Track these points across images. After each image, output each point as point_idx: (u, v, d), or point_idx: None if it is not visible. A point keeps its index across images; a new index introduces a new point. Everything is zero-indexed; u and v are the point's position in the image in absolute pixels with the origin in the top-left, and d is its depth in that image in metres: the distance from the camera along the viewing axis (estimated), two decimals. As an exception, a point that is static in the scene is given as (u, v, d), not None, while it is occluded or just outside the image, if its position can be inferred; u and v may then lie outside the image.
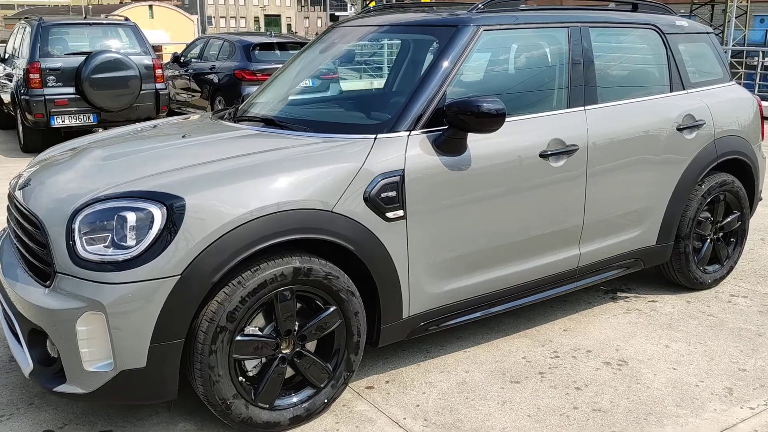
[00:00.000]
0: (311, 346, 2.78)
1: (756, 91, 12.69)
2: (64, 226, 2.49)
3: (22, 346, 2.67)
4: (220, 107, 9.11)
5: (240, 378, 2.62)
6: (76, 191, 2.63)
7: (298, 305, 2.70)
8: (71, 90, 8.56)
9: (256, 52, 10.28)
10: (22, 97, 8.54)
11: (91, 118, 8.74)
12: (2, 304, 2.85)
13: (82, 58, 8.58)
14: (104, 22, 9.74)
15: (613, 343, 3.49)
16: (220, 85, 10.30)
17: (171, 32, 36.25)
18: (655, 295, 4.12)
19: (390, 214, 2.79)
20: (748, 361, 3.32)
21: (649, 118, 3.68)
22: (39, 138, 8.72)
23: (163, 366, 2.47)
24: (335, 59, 4.02)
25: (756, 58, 17.30)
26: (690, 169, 3.85)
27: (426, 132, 2.93)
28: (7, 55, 10.19)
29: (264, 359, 2.67)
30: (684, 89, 3.94)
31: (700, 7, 26.84)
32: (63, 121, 8.58)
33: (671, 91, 3.89)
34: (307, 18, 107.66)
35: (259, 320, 2.65)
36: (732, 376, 3.18)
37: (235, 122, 3.44)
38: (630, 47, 3.91)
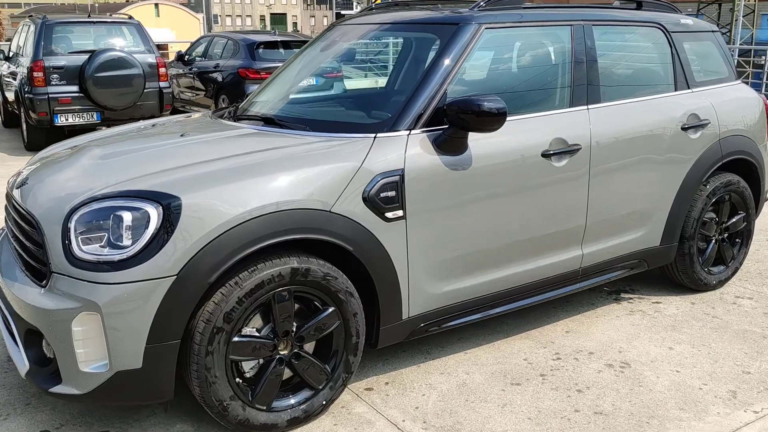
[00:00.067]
0: (309, 347, 2.75)
1: (763, 91, 12.60)
2: (60, 226, 2.47)
3: (18, 346, 2.65)
4: (223, 106, 9.10)
5: (237, 379, 2.60)
6: (72, 190, 2.60)
7: (296, 306, 2.67)
8: (75, 88, 8.56)
9: (260, 50, 10.26)
10: (26, 95, 8.55)
11: (95, 116, 8.74)
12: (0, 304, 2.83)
13: (85, 57, 8.58)
14: (108, 20, 9.74)
15: (616, 345, 3.45)
16: (224, 84, 10.28)
17: (177, 31, 36.28)
18: (659, 296, 4.08)
19: (389, 214, 2.76)
20: (753, 363, 3.28)
21: (653, 118, 3.64)
22: (42, 136, 8.73)
23: (159, 367, 2.45)
24: (336, 58, 3.99)
25: (763, 57, 17.20)
26: (695, 169, 3.81)
27: (426, 131, 2.90)
28: (11, 54, 10.21)
29: (261, 360, 2.65)
30: (689, 88, 3.89)
31: (708, 5, 26.70)
32: (66, 120, 8.58)
33: (676, 90, 3.84)
34: (313, 17, 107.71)
35: (257, 321, 2.62)
36: (736, 379, 3.14)
37: (234, 121, 3.42)
38: (634, 46, 3.87)
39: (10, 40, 12.42)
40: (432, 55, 3.12)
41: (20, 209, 2.76)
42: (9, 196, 2.99)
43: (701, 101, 3.88)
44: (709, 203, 3.93)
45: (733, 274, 4.25)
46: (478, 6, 3.28)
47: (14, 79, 9.36)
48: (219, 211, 2.45)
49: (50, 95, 8.46)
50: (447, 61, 3.02)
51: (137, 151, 3.04)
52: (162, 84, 9.13)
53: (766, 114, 4.33)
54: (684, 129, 3.74)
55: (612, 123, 3.45)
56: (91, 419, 2.80)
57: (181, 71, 11.69)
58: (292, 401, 2.72)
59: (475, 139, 2.95)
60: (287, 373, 2.71)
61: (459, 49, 3.05)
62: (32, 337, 2.57)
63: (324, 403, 2.78)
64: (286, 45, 10.62)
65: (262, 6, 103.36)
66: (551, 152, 3.19)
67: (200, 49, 11.72)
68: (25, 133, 9.13)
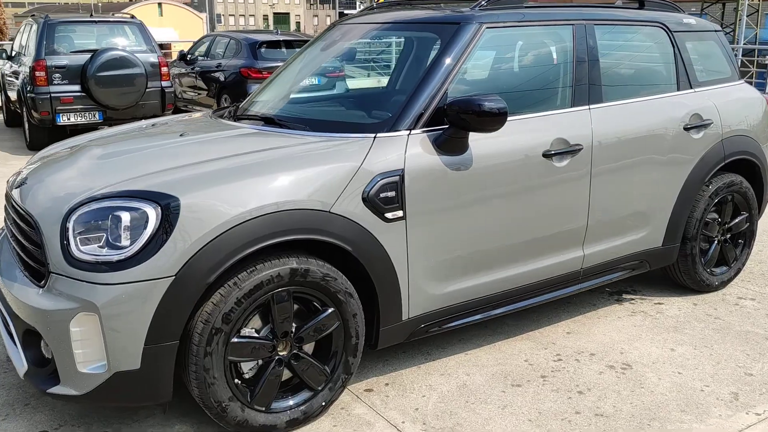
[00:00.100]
0: (309, 348, 2.74)
1: (766, 90, 12.55)
2: (58, 226, 2.46)
3: (17, 346, 2.64)
4: (225, 105, 9.09)
5: (236, 380, 2.59)
6: (71, 190, 2.60)
7: (296, 307, 2.66)
8: (77, 88, 8.56)
9: (263, 50, 10.25)
10: (28, 94, 8.55)
11: (97, 115, 8.74)
12: (-1, 304, 2.83)
13: (87, 56, 8.58)
14: (110, 19, 9.74)
15: (618, 346, 3.43)
16: (226, 83, 10.28)
17: (180, 30, 36.33)
18: (661, 297, 4.06)
19: (389, 215, 2.74)
20: (755, 365, 3.26)
21: (655, 118, 3.62)
22: (45, 136, 8.72)
23: (157, 368, 2.44)
24: (336, 57, 3.98)
25: (767, 57, 17.12)
26: (697, 170, 3.79)
27: (427, 131, 2.89)
28: (14, 53, 10.21)
29: (260, 361, 2.63)
30: (691, 88, 3.87)
31: (711, 5, 26.62)
32: (68, 119, 8.58)
33: (678, 89, 3.82)
34: (316, 16, 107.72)
35: (256, 322, 2.61)
36: (738, 380, 3.12)
37: (234, 121, 3.40)
38: (636, 45, 3.85)
39: (13, 39, 12.43)
40: (433, 54, 3.11)
41: (19, 209, 2.75)
42: (8, 196, 2.99)
43: (704, 101, 3.86)
44: (711, 204, 3.91)
45: (735, 275, 4.22)
46: (479, 5, 3.26)
47: (16, 78, 9.36)
48: (218, 211, 2.43)
49: (52, 94, 8.46)
50: (447, 61, 3.00)
51: (136, 151, 3.04)
52: (164, 83, 9.13)
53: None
54: (686, 129, 3.72)
55: (614, 123, 3.43)
56: (90, 420, 2.79)
57: (183, 71, 11.68)
58: (291, 402, 2.71)
59: (475, 139, 2.93)
60: (286, 374, 2.70)
61: (460, 48, 3.04)
62: (31, 338, 2.56)
63: (323, 404, 2.76)
64: (289, 44, 10.60)
65: (265, 5, 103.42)
66: (552, 152, 3.17)
67: (202, 48, 11.71)
68: (27, 132, 9.13)
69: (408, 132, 2.85)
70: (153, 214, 2.39)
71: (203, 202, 2.43)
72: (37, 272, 2.54)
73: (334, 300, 2.69)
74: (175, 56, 14.07)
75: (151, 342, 2.39)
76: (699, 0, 27.06)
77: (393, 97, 3.52)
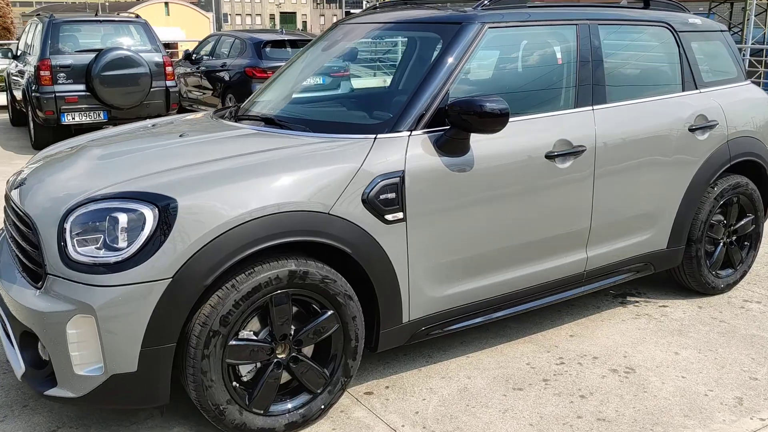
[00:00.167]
0: (308, 350, 2.72)
1: (774, 91, 12.45)
2: (55, 227, 2.44)
3: (14, 348, 2.63)
4: (230, 105, 9.08)
5: (234, 383, 2.57)
6: (69, 191, 2.58)
7: (294, 309, 2.64)
8: (81, 87, 8.57)
9: (267, 49, 10.23)
10: (33, 94, 8.56)
11: (101, 115, 8.75)
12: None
13: (92, 56, 8.59)
14: (115, 19, 9.76)
15: (621, 350, 3.40)
16: (231, 83, 10.27)
17: (187, 30, 36.36)
18: (666, 299, 4.02)
19: (389, 217, 2.72)
20: (760, 369, 3.22)
21: (660, 119, 3.58)
22: (50, 135, 8.73)
23: (154, 370, 2.42)
24: (338, 57, 3.95)
25: (775, 57, 16.99)
26: (702, 171, 3.75)
27: (428, 132, 2.86)
28: (19, 52, 10.23)
29: (259, 364, 2.61)
30: (696, 89, 3.83)
31: (719, 4, 26.48)
32: (73, 119, 8.59)
33: (683, 90, 3.78)
34: (323, 15, 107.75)
35: (254, 324, 2.59)
36: (743, 385, 3.08)
37: (235, 121, 3.38)
38: (641, 45, 3.81)
39: (20, 38, 12.45)
40: (434, 55, 3.08)
41: (18, 210, 2.73)
42: (7, 197, 2.97)
43: (709, 102, 3.82)
44: (717, 206, 3.87)
45: (741, 277, 4.18)
46: (482, 5, 3.23)
47: (22, 77, 9.39)
48: (216, 212, 2.41)
49: (57, 94, 8.47)
50: (449, 61, 2.97)
51: (136, 151, 3.02)
52: (168, 83, 9.13)
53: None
54: (691, 130, 3.68)
55: (618, 124, 3.40)
56: (89, 422, 2.78)
57: (188, 70, 11.68)
58: (290, 405, 2.69)
59: (477, 140, 2.90)
60: (285, 377, 2.68)
61: (462, 48, 3.01)
62: (28, 340, 2.55)
63: (322, 407, 2.74)
64: (293, 44, 10.59)
65: (272, 5, 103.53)
66: (555, 153, 3.14)
67: (208, 48, 11.71)
68: (32, 131, 9.15)
69: (409, 133, 2.82)
70: (150, 215, 2.38)
71: (201, 203, 2.41)
72: (35, 274, 2.53)
73: (333, 302, 2.67)
74: (181, 56, 14.08)
75: (148, 344, 2.37)
76: (707, -1, 26.91)
77: (394, 98, 3.49)
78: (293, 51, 10.32)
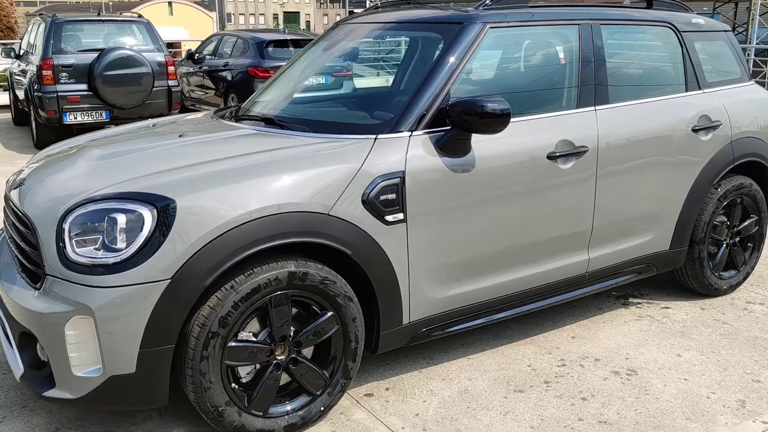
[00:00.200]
0: (307, 352, 2.71)
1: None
2: (54, 228, 2.43)
3: (13, 349, 2.62)
4: (232, 104, 9.08)
5: (233, 385, 2.55)
6: (67, 191, 2.57)
7: (294, 310, 2.62)
8: (84, 87, 8.57)
9: (270, 49, 10.22)
10: (35, 93, 8.56)
11: (104, 114, 8.75)
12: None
13: (94, 55, 8.59)
14: (117, 18, 9.76)
15: (623, 352, 3.38)
16: (233, 82, 10.26)
17: (190, 29, 36.43)
18: (669, 301, 4.00)
19: (389, 217, 2.70)
20: (763, 372, 3.20)
21: (662, 119, 3.56)
22: (52, 134, 8.72)
23: (153, 372, 2.41)
24: (339, 57, 3.94)
25: (780, 57, 16.93)
26: (705, 172, 3.72)
27: (428, 132, 2.84)
28: (22, 52, 10.24)
29: (258, 365, 2.60)
30: (700, 89, 3.81)
31: (724, 4, 26.40)
32: (75, 118, 8.59)
33: (686, 90, 3.76)
34: (326, 15, 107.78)
35: (253, 325, 2.58)
36: (745, 387, 3.06)
37: (235, 121, 3.37)
38: (644, 45, 3.79)
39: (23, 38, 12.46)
40: (435, 55, 3.06)
41: (17, 210, 2.73)
42: (7, 198, 2.97)
43: (713, 102, 3.80)
44: (720, 206, 3.85)
45: (744, 279, 4.16)
46: (484, 5, 3.21)
47: (24, 77, 9.39)
48: (215, 213, 2.40)
49: (59, 93, 8.47)
50: (450, 61, 2.95)
51: (135, 151, 3.01)
52: (171, 82, 9.13)
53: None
54: (695, 131, 3.66)
55: (620, 124, 3.38)
56: (88, 423, 2.77)
57: (191, 70, 11.68)
58: (289, 407, 2.67)
59: (478, 140, 2.89)
60: (284, 379, 2.67)
61: (463, 48, 2.99)
62: (27, 340, 2.54)
63: (322, 409, 2.73)
64: (296, 44, 10.58)
65: (275, 4, 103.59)
66: (557, 154, 3.12)
67: (210, 47, 11.71)
68: (34, 131, 9.15)
69: (409, 133, 2.81)
70: (149, 216, 2.36)
71: (200, 203, 2.40)
72: (34, 274, 2.52)
73: (333, 304, 2.65)
74: (184, 55, 14.08)
75: (146, 345, 2.36)
76: (711, -1, 26.82)
77: (395, 98, 3.47)
78: (296, 51, 10.30)
